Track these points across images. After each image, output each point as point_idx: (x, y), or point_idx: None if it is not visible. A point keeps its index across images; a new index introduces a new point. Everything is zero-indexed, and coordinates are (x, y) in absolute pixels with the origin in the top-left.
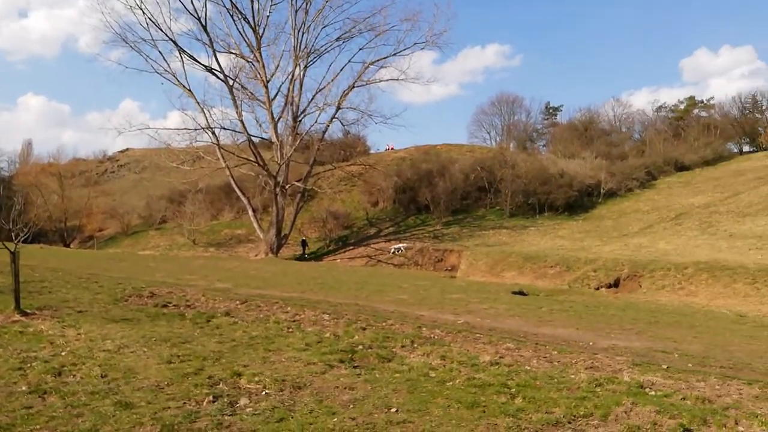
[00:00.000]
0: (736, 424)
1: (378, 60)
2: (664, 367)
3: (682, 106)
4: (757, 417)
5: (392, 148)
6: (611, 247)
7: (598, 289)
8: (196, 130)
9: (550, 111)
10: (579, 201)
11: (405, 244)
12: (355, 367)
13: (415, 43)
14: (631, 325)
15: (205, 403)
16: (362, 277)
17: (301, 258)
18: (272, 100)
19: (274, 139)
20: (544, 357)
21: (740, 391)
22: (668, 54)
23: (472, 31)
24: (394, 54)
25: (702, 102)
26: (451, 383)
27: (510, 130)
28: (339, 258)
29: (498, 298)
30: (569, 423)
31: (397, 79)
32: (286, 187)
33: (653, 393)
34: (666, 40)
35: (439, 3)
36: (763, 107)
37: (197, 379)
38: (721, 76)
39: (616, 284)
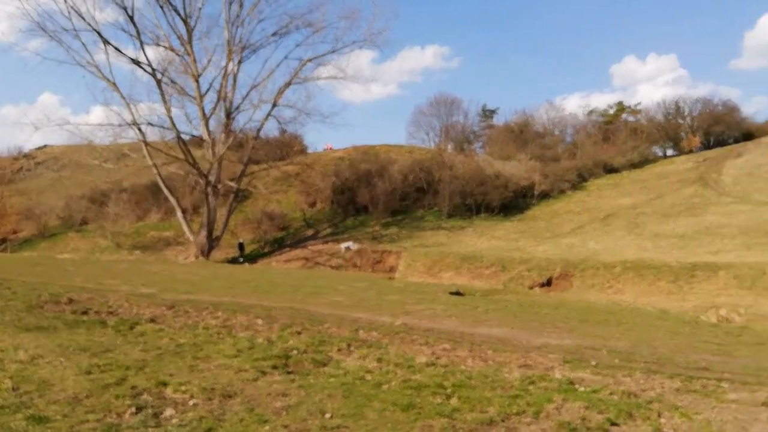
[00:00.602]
0: (659, 416)
1: (316, 57)
2: (593, 363)
3: (611, 111)
4: (677, 409)
5: (331, 148)
6: (544, 247)
7: (532, 288)
8: (120, 126)
9: (487, 113)
10: (514, 202)
11: (354, 243)
12: (289, 372)
13: (354, 42)
14: (563, 323)
15: (127, 416)
16: (298, 280)
17: (234, 261)
18: (204, 95)
19: (205, 136)
20: (480, 356)
21: (663, 385)
22: (600, 60)
23: (412, 32)
24: (333, 52)
25: (630, 107)
26: (387, 386)
27: (448, 132)
28: (274, 260)
29: (435, 298)
30: (503, 421)
31: (336, 78)
32: (219, 186)
33: (583, 389)
34: (598, 47)
35: (378, 2)
36: (685, 113)
37: (119, 390)
38: (648, 83)
39: (549, 283)
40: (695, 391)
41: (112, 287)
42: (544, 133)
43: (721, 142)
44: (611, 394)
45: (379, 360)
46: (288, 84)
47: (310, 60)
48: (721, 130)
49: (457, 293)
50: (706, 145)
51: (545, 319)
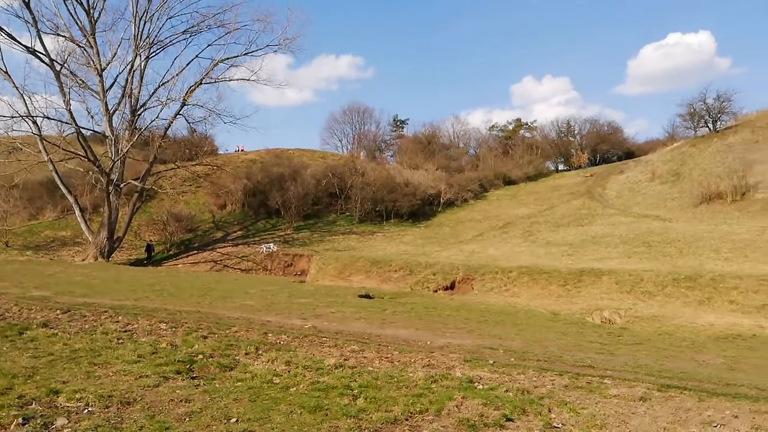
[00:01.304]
0: (549, 411)
1: (228, 58)
2: (491, 362)
3: (510, 127)
4: (566, 404)
5: (242, 150)
6: (449, 252)
7: (436, 291)
8: (13, 117)
9: (398, 123)
10: (422, 209)
11: (274, 245)
12: (193, 378)
13: (267, 45)
14: (464, 324)
15: (12, 427)
16: (206, 283)
17: (138, 263)
18: (107, 90)
19: (108, 132)
20: (386, 357)
21: (553, 382)
22: (502, 79)
23: (328, 40)
24: (245, 54)
25: (527, 124)
26: (295, 389)
27: (360, 139)
28: (181, 263)
29: (345, 301)
30: (406, 420)
31: (248, 80)
32: (121, 185)
33: (481, 387)
34: (500, 67)
35: (292, 7)
36: (576, 132)
37: (4, 399)
38: (544, 102)
39: (452, 287)
40: (581, 387)
41: (0, 290)
42: (450, 145)
43: (606, 159)
44: (507, 391)
45: (288, 363)
46: (198, 83)
47: (222, 60)
48: (607, 149)
49: (367, 296)
50: (593, 162)
51: (448, 320)
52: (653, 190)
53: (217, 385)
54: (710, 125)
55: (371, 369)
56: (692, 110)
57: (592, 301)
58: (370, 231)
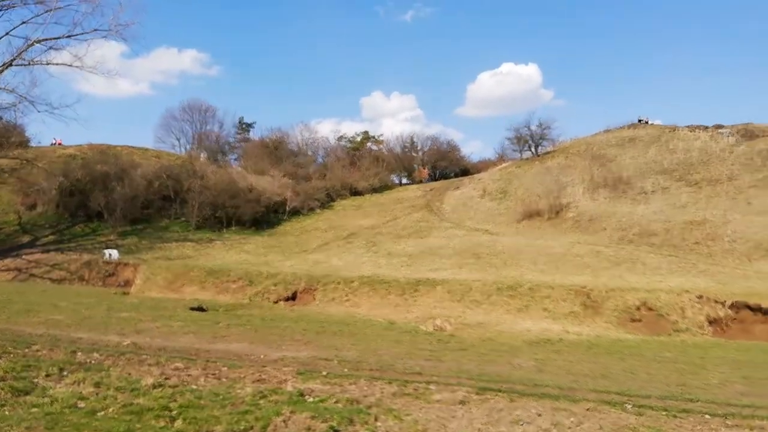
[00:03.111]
0: (376, 420)
1: (47, 39)
2: (324, 373)
3: (358, 139)
4: (392, 412)
5: (60, 144)
6: (292, 262)
7: (277, 302)
8: None
9: (244, 126)
10: (266, 217)
11: (116, 252)
12: None
13: (95, 30)
14: (301, 335)
15: None
16: (6, 295)
17: None
18: None
19: None
20: (213, 374)
21: (382, 390)
22: (353, 91)
23: (170, 32)
24: (69, 36)
25: (374, 137)
26: (103, 413)
27: (201, 140)
28: None
29: (174, 314)
30: None
31: (71, 65)
32: None
33: (312, 399)
34: (352, 79)
35: None
36: (418, 148)
37: None
38: (391, 117)
39: (293, 297)
40: (409, 394)
41: None
42: (299, 152)
43: (444, 176)
44: (336, 402)
45: (98, 384)
46: (8, 64)
47: (39, 41)
48: (446, 165)
49: (200, 308)
50: (433, 177)
51: (285, 332)
52: (484, 206)
53: (6, 413)
54: (533, 149)
55: (195, 387)
56: (519, 135)
57: (427, 309)
58: (208, 238)
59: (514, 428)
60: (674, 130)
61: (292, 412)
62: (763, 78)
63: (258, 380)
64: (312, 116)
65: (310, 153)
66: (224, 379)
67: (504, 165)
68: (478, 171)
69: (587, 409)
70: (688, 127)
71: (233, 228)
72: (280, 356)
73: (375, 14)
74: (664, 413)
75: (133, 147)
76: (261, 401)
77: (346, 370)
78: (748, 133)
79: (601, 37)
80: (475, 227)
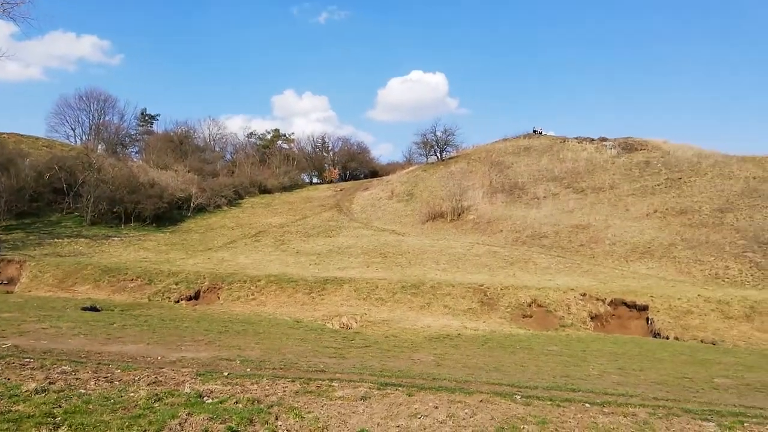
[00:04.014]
0: (276, 419)
1: None
2: (225, 374)
3: (269, 136)
4: (293, 410)
5: None
6: (195, 260)
7: (178, 301)
8: None
9: (146, 118)
10: (168, 213)
11: (4, 247)
12: None
13: None
14: (203, 335)
15: None
16: None
17: None
18: None
19: None
20: (105, 377)
21: (285, 389)
22: (264, 88)
23: (67, 15)
24: None
25: (285, 136)
26: None
27: (99, 131)
28: None
29: (63, 315)
30: None
31: None
32: None
33: (210, 401)
34: (264, 75)
35: None
36: (329, 148)
37: None
38: (303, 117)
39: (196, 296)
40: (311, 391)
41: None
42: (206, 148)
43: (354, 176)
44: (237, 402)
45: None
46: None
47: None
48: (356, 167)
49: (93, 308)
50: (344, 178)
51: (186, 332)
52: (391, 207)
53: None
54: (438, 154)
55: (83, 392)
56: (425, 140)
57: (333, 307)
58: (105, 235)
59: (412, 421)
60: (564, 141)
61: (189, 414)
62: (641, 97)
63: (154, 382)
64: (221, 111)
65: (218, 149)
66: (117, 382)
67: (411, 168)
68: (387, 173)
69: (480, 401)
70: (576, 138)
71: (133, 224)
72: (179, 357)
73: (289, 14)
74: (549, 403)
75: (21, 135)
76: (156, 404)
77: (248, 369)
78: (628, 146)
79: (504, 52)
80: (383, 227)
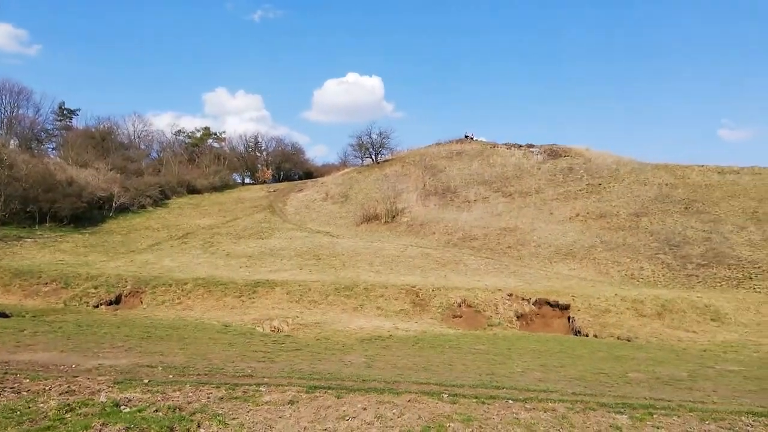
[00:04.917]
0: (199, 426)
1: None
2: (146, 381)
3: (198, 135)
4: (217, 417)
5: None
6: (117, 263)
7: (98, 306)
8: None
9: (65, 113)
10: (88, 213)
11: None
12: None
13: None
14: (123, 342)
15: None
16: None
17: None
18: None
19: None
20: (12, 388)
21: (209, 395)
22: (196, 85)
23: None
24: None
25: (216, 134)
26: None
27: (12, 125)
28: None
29: None
30: None
31: None
32: None
33: (128, 410)
34: (194, 72)
35: None
36: (263, 148)
37: None
38: (236, 116)
39: (117, 301)
40: (237, 397)
41: None
42: (130, 145)
43: (288, 177)
44: (156, 410)
45: None
46: None
47: None
48: (290, 167)
49: (1, 314)
50: (277, 178)
51: (104, 339)
52: (326, 208)
53: None
54: (373, 157)
55: None
56: (361, 142)
57: (265, 311)
58: (16, 236)
59: (340, 424)
60: (494, 147)
61: (103, 424)
62: (565, 107)
63: (66, 392)
64: (148, 108)
65: (143, 146)
66: (25, 393)
67: (346, 170)
68: (322, 175)
69: (409, 401)
70: (505, 144)
71: (48, 225)
72: (96, 365)
73: (223, 9)
74: (474, 400)
75: None
76: (67, 415)
77: (171, 376)
78: (553, 153)
79: (438, 59)
80: (317, 229)
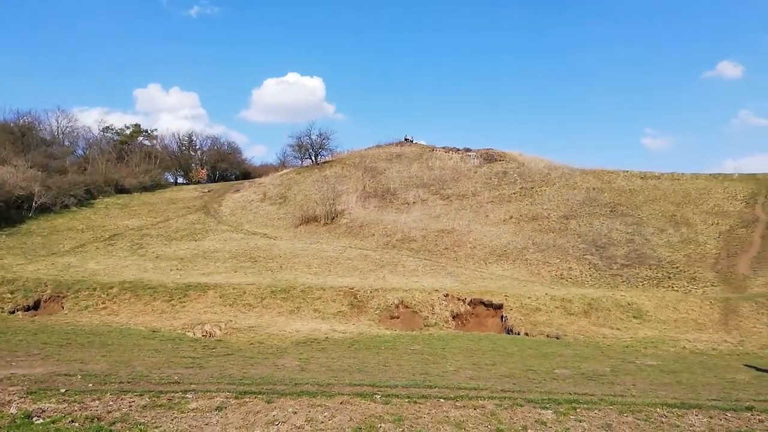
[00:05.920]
0: None
1: None
2: (63, 390)
3: (128, 132)
4: (139, 426)
5: None
6: (36, 266)
7: (13, 312)
8: None
9: None
10: (5, 213)
11: None
12: None
13: None
14: (39, 350)
15: None
16: None
17: None
18: None
19: None
20: None
21: (131, 404)
22: (126, 81)
23: None
24: None
25: (147, 131)
26: None
27: None
28: None
29: None
30: None
31: None
32: None
33: (41, 421)
34: (124, 67)
35: None
36: (197, 147)
37: None
38: (170, 113)
39: (36, 306)
40: (161, 405)
41: None
42: (53, 142)
43: (224, 177)
44: (72, 421)
45: None
46: None
47: None
48: (226, 167)
49: None
50: (212, 179)
51: (19, 346)
52: (264, 210)
53: None
54: (313, 158)
55: None
56: (300, 143)
57: (196, 315)
58: None
59: (269, 429)
60: (433, 150)
61: None
62: (500, 113)
63: None
64: (74, 103)
65: (67, 143)
66: None
67: (285, 171)
68: (260, 175)
69: (341, 403)
70: (443, 148)
71: None
72: (8, 374)
73: (158, 4)
74: (407, 400)
75: None
76: None
77: (90, 385)
78: (489, 157)
79: (379, 61)
80: (254, 231)
